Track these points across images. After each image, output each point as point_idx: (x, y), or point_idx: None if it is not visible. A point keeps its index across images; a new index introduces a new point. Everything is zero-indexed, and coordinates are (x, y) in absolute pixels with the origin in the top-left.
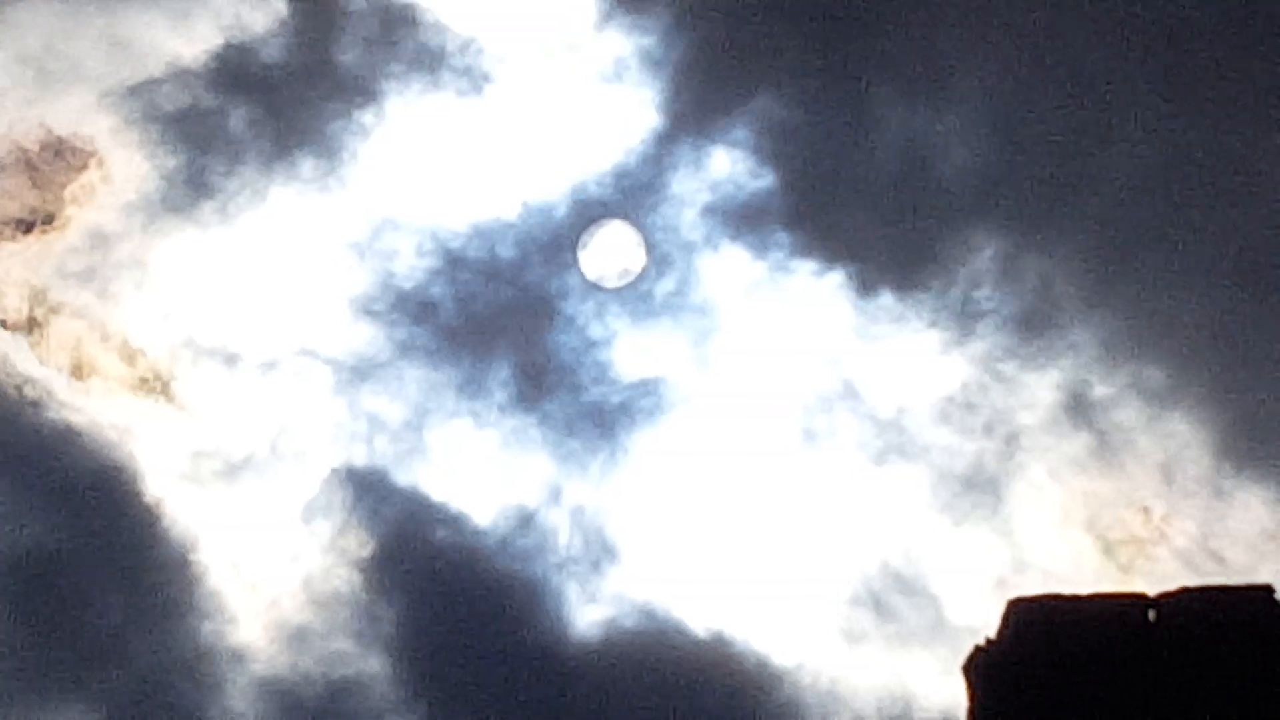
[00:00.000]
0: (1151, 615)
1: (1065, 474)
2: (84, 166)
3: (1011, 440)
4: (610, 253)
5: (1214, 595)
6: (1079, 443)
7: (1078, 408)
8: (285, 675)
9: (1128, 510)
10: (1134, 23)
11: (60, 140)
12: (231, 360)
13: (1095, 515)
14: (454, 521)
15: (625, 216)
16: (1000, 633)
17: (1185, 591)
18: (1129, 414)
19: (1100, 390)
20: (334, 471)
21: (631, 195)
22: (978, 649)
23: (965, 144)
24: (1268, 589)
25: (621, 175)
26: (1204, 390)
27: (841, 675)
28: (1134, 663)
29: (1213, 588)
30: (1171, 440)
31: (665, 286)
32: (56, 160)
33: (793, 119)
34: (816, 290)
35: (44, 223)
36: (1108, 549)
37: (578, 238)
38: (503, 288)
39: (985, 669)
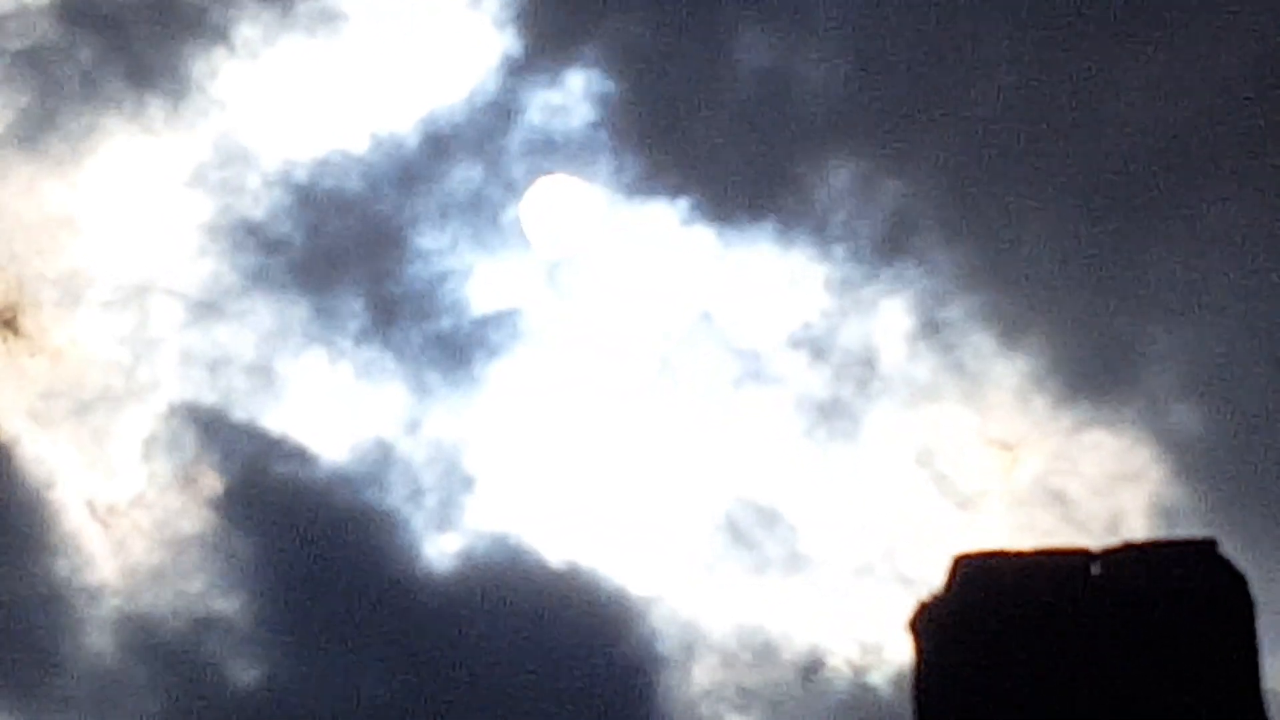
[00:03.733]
0: (1095, 569)
1: (918, 403)
2: None
3: (866, 368)
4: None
5: (1156, 549)
6: (932, 372)
7: (932, 335)
8: (142, 612)
9: (977, 441)
10: None
11: None
12: (80, 296)
13: (946, 445)
14: (308, 455)
15: (477, 146)
16: (946, 588)
17: (1128, 546)
18: (982, 342)
19: (955, 318)
20: (187, 407)
21: (482, 124)
22: (923, 604)
23: (823, 68)
24: (1210, 542)
25: (472, 104)
26: (1056, 321)
27: (701, 608)
28: (1078, 615)
29: (1155, 542)
30: (1023, 371)
31: (517, 214)
32: None
33: (646, 43)
34: (671, 216)
35: None
36: (957, 480)
37: (428, 169)
38: (353, 220)
39: (931, 624)
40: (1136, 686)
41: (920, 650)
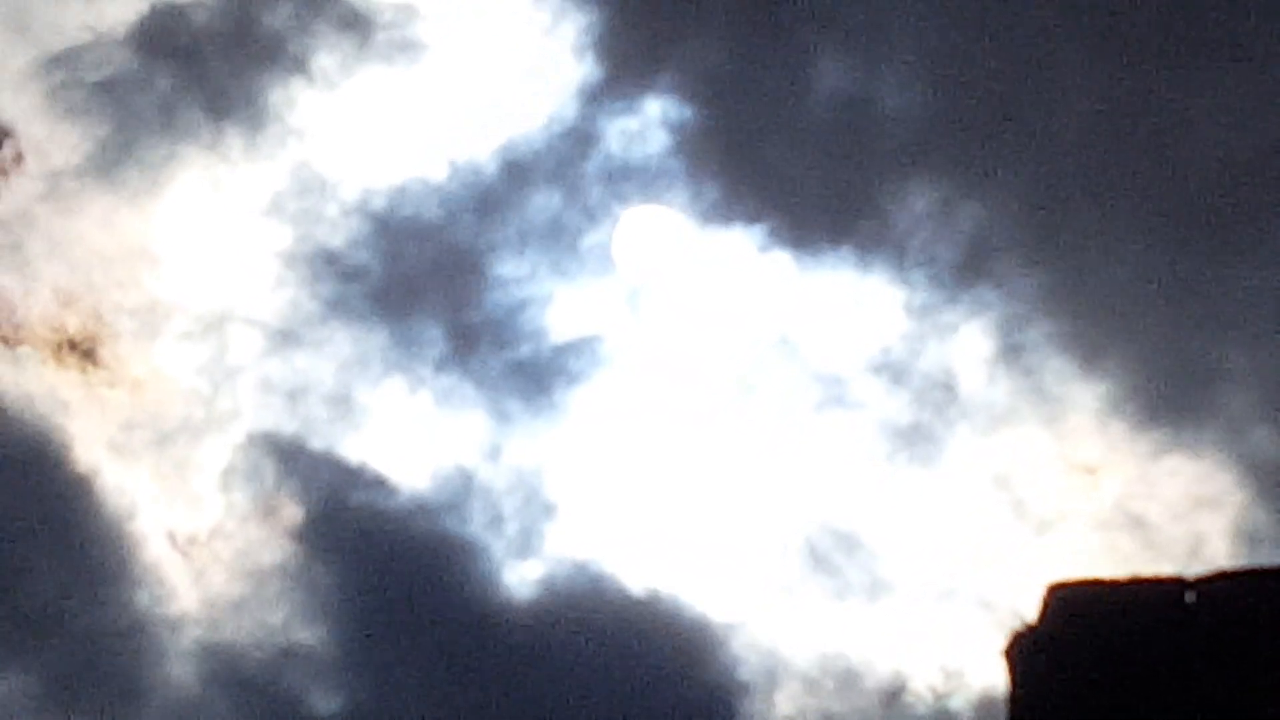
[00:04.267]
0: (1189, 597)
1: (999, 427)
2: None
3: (946, 392)
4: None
5: (1251, 576)
6: (1012, 396)
7: (1012, 359)
8: (223, 642)
9: (1058, 465)
10: None
11: None
12: (159, 326)
13: (1026, 469)
14: (388, 484)
15: (556, 173)
16: (1040, 617)
17: (1222, 574)
18: (1062, 366)
19: (1034, 342)
20: (266, 437)
21: (560, 151)
22: (1017, 634)
23: (901, 93)
24: None
25: (550, 131)
26: (1136, 343)
27: (782, 634)
28: (1173, 645)
29: (1251, 570)
30: (1103, 394)
31: (596, 241)
32: None
33: (723, 69)
34: (749, 241)
35: None
36: (1037, 504)
37: (507, 196)
38: (431, 248)
39: (1025, 653)
40: (1233, 716)
41: (1014, 679)
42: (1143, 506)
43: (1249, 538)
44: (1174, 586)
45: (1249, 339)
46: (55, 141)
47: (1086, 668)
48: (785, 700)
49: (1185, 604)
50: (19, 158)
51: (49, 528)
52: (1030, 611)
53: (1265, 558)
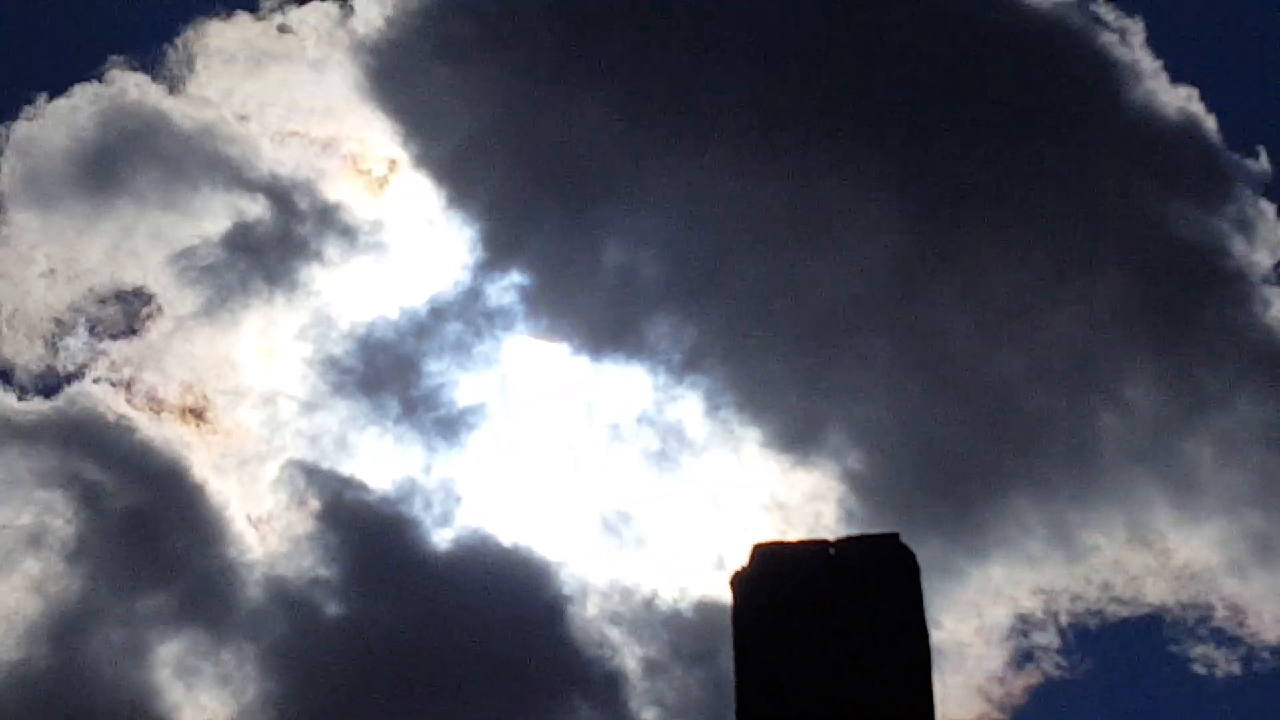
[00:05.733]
0: (833, 552)
1: (708, 455)
2: None
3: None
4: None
5: (864, 539)
6: (711, 436)
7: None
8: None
9: (742, 478)
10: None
11: None
12: (240, 400)
13: (725, 482)
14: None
15: None
16: (749, 561)
17: (849, 538)
18: (728, 415)
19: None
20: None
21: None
22: (737, 572)
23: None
24: (894, 535)
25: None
26: (783, 399)
27: (590, 568)
28: (823, 584)
29: (865, 535)
30: (764, 433)
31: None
32: None
33: (534, 224)
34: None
35: None
36: (734, 499)
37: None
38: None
39: (742, 586)
40: (861, 634)
41: (736, 601)
42: (784, 499)
43: (848, 517)
44: (824, 546)
45: (855, 397)
46: (179, 298)
47: (778, 597)
48: (591, 606)
49: (830, 556)
50: (159, 309)
51: (181, 520)
52: (741, 557)
53: (860, 528)
